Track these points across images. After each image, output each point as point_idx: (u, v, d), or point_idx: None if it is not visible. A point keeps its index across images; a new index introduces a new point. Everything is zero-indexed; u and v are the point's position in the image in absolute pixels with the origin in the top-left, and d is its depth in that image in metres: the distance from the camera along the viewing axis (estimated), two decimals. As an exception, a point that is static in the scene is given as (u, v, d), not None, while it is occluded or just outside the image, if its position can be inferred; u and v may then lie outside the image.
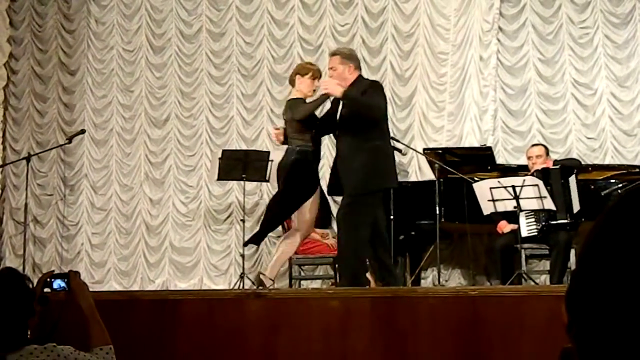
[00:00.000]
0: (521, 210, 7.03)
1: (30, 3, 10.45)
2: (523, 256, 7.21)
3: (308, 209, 6.94)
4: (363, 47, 9.32)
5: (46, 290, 3.17)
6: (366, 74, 7.62)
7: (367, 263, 6.55)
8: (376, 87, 6.61)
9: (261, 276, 6.96)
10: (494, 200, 6.96)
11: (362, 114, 6.40)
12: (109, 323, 3.18)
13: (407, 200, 7.86)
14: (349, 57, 6.69)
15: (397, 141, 8.04)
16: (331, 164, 6.95)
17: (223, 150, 8.60)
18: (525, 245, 7.26)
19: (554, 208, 7.02)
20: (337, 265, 7.30)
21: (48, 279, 3.19)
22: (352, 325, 4.99)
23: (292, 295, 5.65)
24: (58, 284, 3.16)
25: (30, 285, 3.02)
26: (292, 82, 7.12)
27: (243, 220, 8.69)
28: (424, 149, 8.39)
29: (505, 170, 8.02)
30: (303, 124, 6.76)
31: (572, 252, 7.33)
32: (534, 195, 6.89)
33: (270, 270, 7.03)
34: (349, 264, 6.36)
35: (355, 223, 6.28)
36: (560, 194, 7.21)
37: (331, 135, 7.00)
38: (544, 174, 7.30)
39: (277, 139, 7.17)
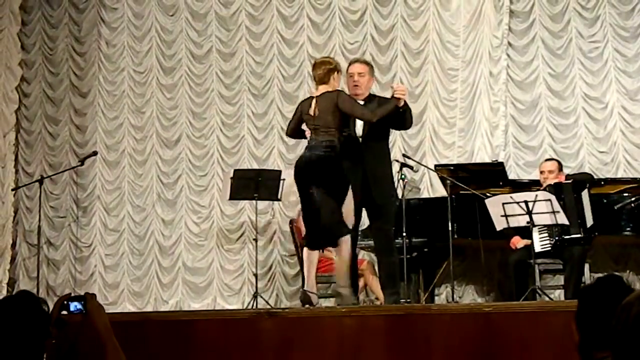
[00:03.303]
0: (534, 226, 7.01)
1: (41, 26, 10.53)
2: (537, 271, 7.19)
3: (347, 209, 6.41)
4: (373, 64, 9.32)
5: (63, 312, 3.19)
6: (376, 91, 7.64)
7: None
8: None
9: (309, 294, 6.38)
10: (506, 216, 6.95)
11: (408, 126, 6.75)
12: (123, 344, 3.19)
13: (420, 217, 7.85)
14: (373, 71, 6.96)
15: (409, 158, 8.06)
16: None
17: (235, 170, 8.63)
18: (539, 261, 7.23)
19: (567, 223, 7.00)
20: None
21: (65, 302, 3.20)
22: (367, 344, 4.99)
23: (306, 314, 5.65)
24: (75, 306, 3.17)
25: (46, 308, 3.03)
26: (323, 80, 6.50)
27: (256, 240, 8.72)
28: (436, 166, 8.38)
29: (517, 185, 8.01)
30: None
31: (587, 266, 7.32)
32: (546, 210, 6.87)
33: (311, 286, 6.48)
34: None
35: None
36: (573, 209, 7.19)
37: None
38: (556, 189, 7.29)
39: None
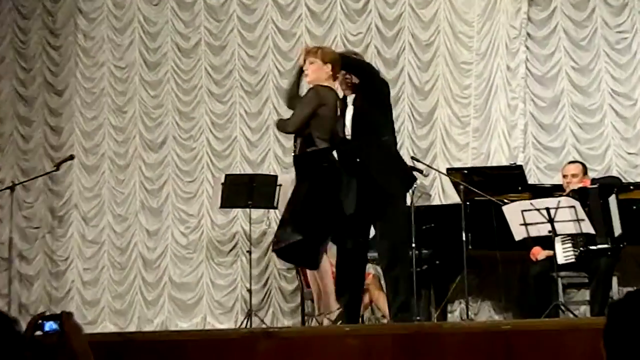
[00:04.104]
0: (557, 235, 7.01)
1: (12, 18, 10.53)
2: (560, 285, 7.20)
3: None
4: (378, 58, 9.35)
5: (37, 333, 3.19)
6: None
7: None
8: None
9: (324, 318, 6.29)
10: (526, 224, 6.95)
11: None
12: (104, 368, 3.19)
13: (430, 226, 7.87)
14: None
15: (418, 161, 8.05)
16: None
17: (226, 175, 8.66)
18: (562, 274, 7.25)
19: (592, 232, 7.00)
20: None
21: (39, 321, 3.20)
22: (373, 366, 4.99)
23: (306, 333, 5.65)
24: (50, 326, 3.17)
25: (19, 329, 3.03)
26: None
27: (250, 252, 8.72)
28: (448, 169, 8.40)
29: (537, 190, 8.01)
30: None
31: (614, 279, 7.32)
32: (570, 218, 6.87)
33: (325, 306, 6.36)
34: None
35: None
36: (599, 216, 7.20)
37: None
38: (580, 194, 7.29)
39: None
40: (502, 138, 8.84)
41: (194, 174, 9.88)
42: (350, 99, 6.49)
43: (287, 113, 9.47)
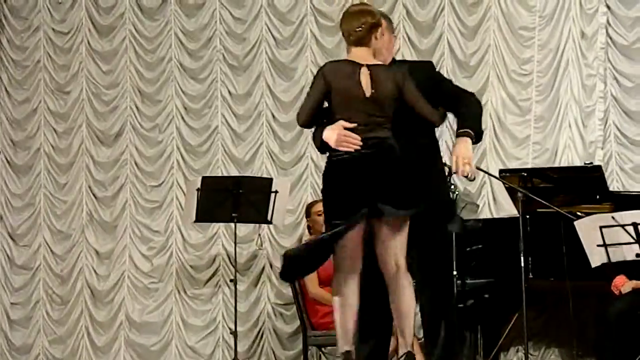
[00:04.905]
0: (647, 260, 6.98)
1: None
2: (652, 328, 7.16)
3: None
4: (408, 22, 9.33)
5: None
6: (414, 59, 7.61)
7: None
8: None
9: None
10: (606, 246, 6.90)
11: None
12: None
13: (478, 248, 7.87)
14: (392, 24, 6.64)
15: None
16: None
17: (203, 178, 8.61)
18: (656, 312, 7.21)
19: (697, 255, 6.97)
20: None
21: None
22: None
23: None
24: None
25: None
26: (363, 40, 6.13)
27: (234, 281, 8.67)
28: (501, 171, 8.36)
29: (622, 200, 7.96)
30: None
31: None
32: (666, 237, 6.84)
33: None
34: None
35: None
36: None
37: None
38: (680, 206, 7.25)
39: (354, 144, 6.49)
40: (575, 129, 8.84)
41: (161, 176, 9.92)
42: None
43: (285, 94, 9.52)
